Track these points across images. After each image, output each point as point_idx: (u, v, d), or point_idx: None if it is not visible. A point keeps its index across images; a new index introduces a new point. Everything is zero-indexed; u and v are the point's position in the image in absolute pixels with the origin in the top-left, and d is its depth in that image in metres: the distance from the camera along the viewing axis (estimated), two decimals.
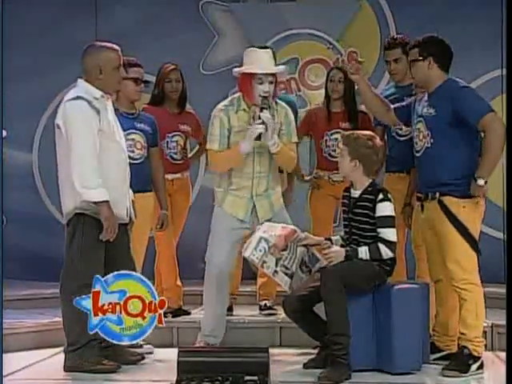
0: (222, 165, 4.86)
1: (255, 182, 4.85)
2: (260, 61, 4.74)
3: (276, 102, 4.86)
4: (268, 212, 4.86)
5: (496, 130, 4.35)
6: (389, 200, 4.51)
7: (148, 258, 5.71)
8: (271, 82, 4.73)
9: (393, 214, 4.51)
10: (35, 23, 7.25)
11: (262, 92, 4.72)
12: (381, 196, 4.49)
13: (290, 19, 7.13)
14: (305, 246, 4.66)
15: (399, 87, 5.42)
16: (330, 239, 4.66)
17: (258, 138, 4.68)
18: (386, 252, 4.46)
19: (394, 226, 4.50)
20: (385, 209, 4.48)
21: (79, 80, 4.56)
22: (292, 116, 4.91)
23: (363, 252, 4.46)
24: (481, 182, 4.35)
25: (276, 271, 4.58)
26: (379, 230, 4.47)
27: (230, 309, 5.51)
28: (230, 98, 4.89)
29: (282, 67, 4.86)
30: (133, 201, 4.72)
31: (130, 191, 4.69)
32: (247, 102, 4.80)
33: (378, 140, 4.60)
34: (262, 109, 4.71)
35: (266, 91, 4.72)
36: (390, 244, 4.47)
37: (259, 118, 4.68)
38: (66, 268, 4.50)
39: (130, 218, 4.66)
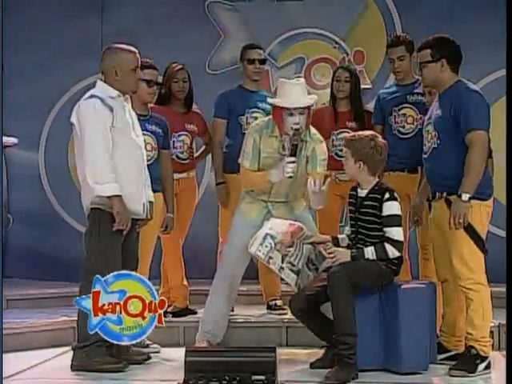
0: (249, 184, 4.97)
1: (271, 198, 4.94)
2: (291, 94, 4.80)
3: (309, 134, 4.89)
4: (287, 216, 4.87)
5: (479, 147, 4.35)
6: (395, 199, 4.51)
7: (154, 258, 5.72)
8: (302, 114, 4.78)
9: (399, 213, 4.51)
10: (41, 23, 7.25)
11: (293, 124, 4.77)
12: (387, 195, 4.49)
13: (296, 18, 7.12)
14: (311, 244, 4.67)
15: (401, 86, 5.43)
16: (336, 238, 4.66)
17: (290, 177, 4.75)
18: (392, 251, 4.46)
19: (400, 226, 4.50)
20: (391, 208, 4.48)
21: (98, 80, 4.65)
22: (321, 149, 4.90)
23: (369, 252, 4.46)
24: (465, 197, 4.33)
25: (282, 267, 4.59)
26: (385, 229, 4.47)
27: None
28: (267, 119, 4.95)
29: (311, 100, 4.84)
30: (151, 202, 4.75)
31: (150, 191, 4.73)
32: (280, 130, 4.85)
33: (380, 139, 4.61)
34: (293, 145, 4.74)
35: (297, 123, 4.77)
36: (396, 243, 4.47)
37: (290, 155, 4.72)
38: (86, 263, 4.54)
39: (146, 216, 4.69)
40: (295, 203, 4.97)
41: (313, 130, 4.95)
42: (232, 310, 5.47)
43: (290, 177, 4.74)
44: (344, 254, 4.49)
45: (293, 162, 4.72)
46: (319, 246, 4.69)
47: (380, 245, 4.46)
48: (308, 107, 4.82)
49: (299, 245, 4.64)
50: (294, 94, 4.81)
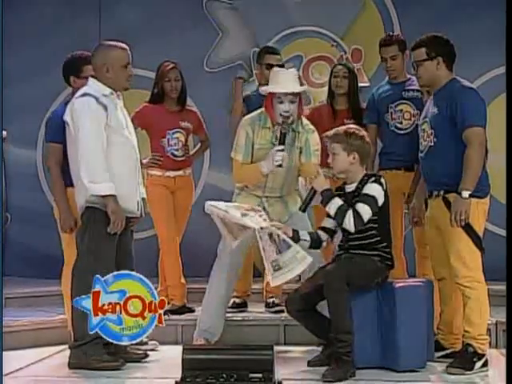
0: (242, 178, 4.98)
1: (266, 193, 4.94)
2: (281, 81, 4.82)
3: (302, 124, 4.91)
4: (282, 214, 4.87)
5: (476, 144, 4.35)
6: (380, 184, 4.49)
7: (152, 256, 5.72)
8: (292, 102, 4.79)
9: (376, 196, 4.45)
10: (39, 21, 7.27)
11: (283, 111, 4.78)
12: (372, 179, 4.51)
13: (294, 16, 7.13)
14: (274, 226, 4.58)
15: (394, 84, 5.44)
16: (297, 232, 4.58)
17: (279, 165, 4.75)
18: (349, 222, 4.41)
19: (372, 208, 4.43)
20: (370, 188, 4.47)
21: (90, 78, 4.64)
22: (314, 139, 4.92)
23: (334, 203, 4.43)
24: (466, 194, 4.33)
25: (244, 214, 4.53)
26: (357, 203, 4.43)
27: (244, 305, 5.60)
28: (259, 111, 4.96)
29: (302, 87, 4.88)
30: (144, 198, 4.76)
31: (142, 188, 4.72)
32: (271, 120, 4.87)
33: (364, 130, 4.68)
34: (281, 133, 4.75)
35: (286, 110, 4.78)
36: (357, 218, 4.41)
37: (279, 143, 4.73)
38: (78, 262, 4.54)
39: (141, 214, 4.69)
40: (290, 199, 4.97)
41: (305, 120, 4.97)
42: (245, 306, 5.55)
43: (280, 165, 4.73)
44: (319, 183, 4.48)
45: (282, 151, 4.72)
46: (281, 233, 4.54)
47: (345, 206, 4.43)
48: (299, 96, 4.82)
49: (260, 217, 4.58)
50: (285, 81, 4.82)
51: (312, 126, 4.98)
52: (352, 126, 4.71)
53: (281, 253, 4.47)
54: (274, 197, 4.95)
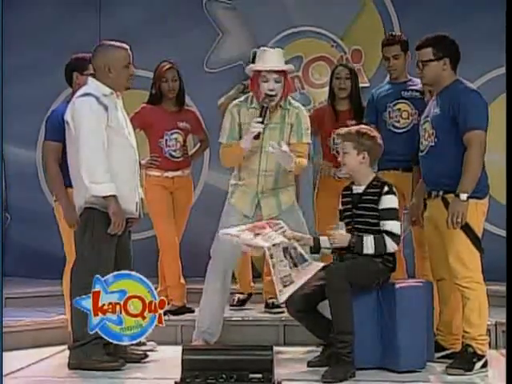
0: (226, 159, 4.96)
1: (261, 179, 4.89)
2: (266, 59, 4.82)
3: (289, 103, 4.90)
4: (274, 210, 4.86)
5: (477, 147, 4.35)
6: (394, 193, 4.52)
7: (152, 256, 5.72)
8: (277, 81, 4.78)
9: (397, 207, 4.52)
10: (39, 21, 7.26)
11: (267, 90, 4.78)
12: (386, 188, 4.51)
13: (294, 17, 7.13)
14: (292, 238, 4.53)
15: (394, 84, 5.43)
16: (318, 239, 4.59)
17: (257, 137, 4.74)
18: (391, 244, 4.46)
19: (398, 219, 4.51)
20: (390, 201, 4.49)
21: (90, 78, 4.64)
22: (304, 117, 4.92)
23: (368, 243, 4.44)
24: (464, 196, 4.33)
25: (257, 234, 4.46)
26: (384, 222, 4.46)
27: (246, 301, 5.66)
28: (246, 95, 4.97)
29: (287, 66, 4.88)
30: (142, 199, 4.76)
31: (140, 188, 4.73)
32: (257, 99, 4.86)
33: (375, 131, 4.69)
34: (262, 107, 4.75)
35: (271, 89, 4.77)
36: (394, 237, 4.46)
37: (259, 116, 4.74)
38: (77, 263, 4.54)
39: (139, 215, 4.70)
40: (283, 194, 4.93)
41: (293, 101, 4.95)
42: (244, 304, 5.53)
43: (257, 137, 4.70)
44: (343, 240, 4.47)
45: (260, 123, 4.71)
46: (299, 247, 4.56)
47: (379, 236, 4.46)
48: (284, 76, 4.81)
49: (275, 232, 4.52)
50: (270, 60, 4.82)
51: (301, 106, 4.98)
52: (364, 126, 4.71)
53: (296, 266, 4.45)
54: (269, 189, 4.90)
